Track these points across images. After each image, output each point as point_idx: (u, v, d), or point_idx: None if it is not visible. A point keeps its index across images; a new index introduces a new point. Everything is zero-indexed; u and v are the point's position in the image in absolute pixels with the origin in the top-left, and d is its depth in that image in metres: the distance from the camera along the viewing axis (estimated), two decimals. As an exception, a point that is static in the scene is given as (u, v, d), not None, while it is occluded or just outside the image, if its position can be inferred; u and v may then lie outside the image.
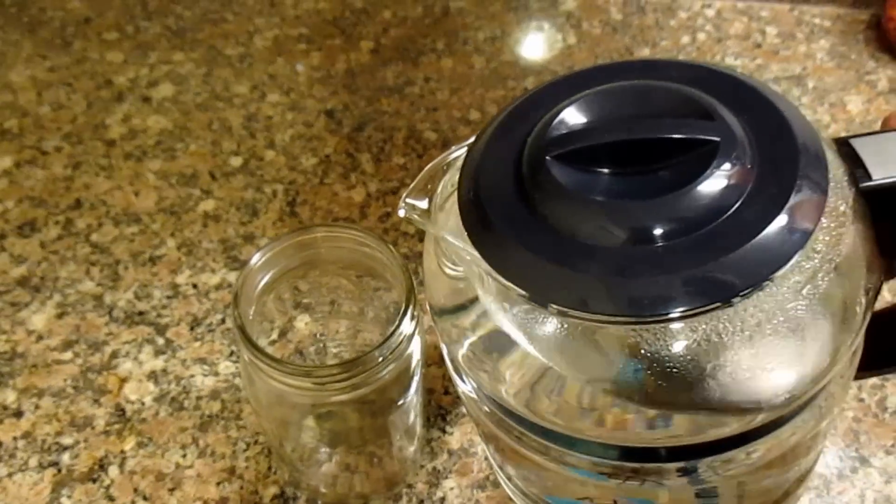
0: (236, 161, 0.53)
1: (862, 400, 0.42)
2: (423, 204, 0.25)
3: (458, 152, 0.27)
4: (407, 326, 0.29)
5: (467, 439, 0.41)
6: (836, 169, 0.24)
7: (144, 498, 0.39)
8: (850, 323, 0.24)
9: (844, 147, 0.25)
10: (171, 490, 0.39)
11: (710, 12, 0.64)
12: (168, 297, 0.46)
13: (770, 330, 0.22)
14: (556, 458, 0.27)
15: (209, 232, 0.49)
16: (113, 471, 0.39)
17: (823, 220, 0.22)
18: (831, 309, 0.23)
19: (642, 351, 0.22)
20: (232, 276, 0.47)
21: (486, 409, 0.27)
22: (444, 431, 0.41)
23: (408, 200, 0.26)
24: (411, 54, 0.61)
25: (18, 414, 0.41)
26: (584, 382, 0.24)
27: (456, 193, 0.25)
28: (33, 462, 0.40)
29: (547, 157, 0.22)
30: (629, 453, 0.25)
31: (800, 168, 0.22)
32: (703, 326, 0.21)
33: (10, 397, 0.42)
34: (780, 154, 0.22)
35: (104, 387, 0.42)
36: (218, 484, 0.39)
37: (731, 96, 0.23)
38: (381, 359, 0.29)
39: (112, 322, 0.45)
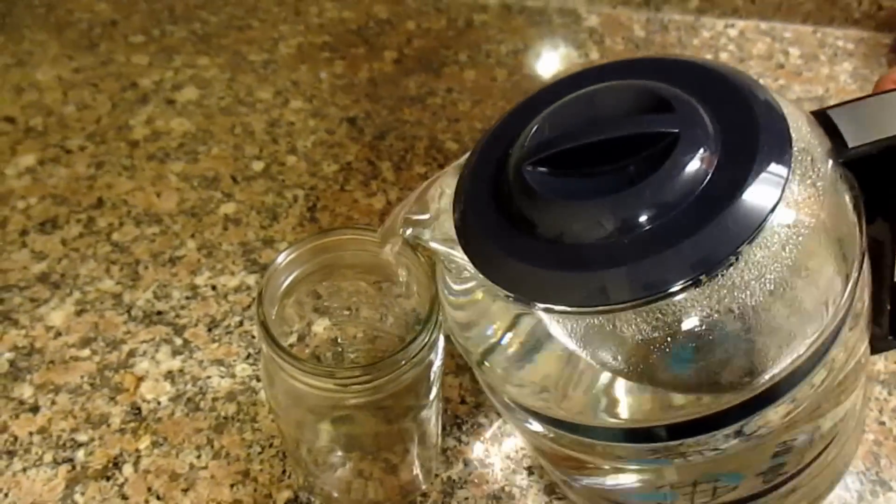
0: (258, 165, 0.54)
1: (883, 423, 0.41)
2: (424, 216, 0.28)
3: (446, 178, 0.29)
4: (430, 332, 0.29)
5: (483, 450, 0.40)
6: (816, 141, 0.25)
7: (158, 497, 0.38)
8: (838, 282, 0.25)
9: (822, 118, 0.26)
10: (185, 490, 0.39)
11: (733, 32, 0.65)
12: (187, 298, 0.46)
13: (763, 289, 0.23)
14: (623, 456, 0.28)
15: (229, 235, 0.49)
16: (127, 469, 0.39)
17: (798, 189, 0.23)
18: (819, 269, 0.25)
19: (664, 331, 0.23)
20: (251, 279, 0.47)
21: (550, 433, 0.28)
22: (459, 441, 0.41)
23: (406, 216, 0.28)
24: (434, 65, 0.61)
25: (35, 409, 0.41)
26: (627, 374, 0.25)
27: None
28: (48, 458, 0.40)
29: (524, 168, 0.24)
30: (683, 430, 0.25)
31: (760, 145, 0.23)
32: (711, 294, 0.23)
33: (26, 392, 0.42)
34: (742, 135, 0.23)
35: (121, 385, 0.42)
36: (232, 486, 0.39)
37: (697, 85, 0.25)
38: (403, 363, 0.28)
39: (130, 321, 0.45)
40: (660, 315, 0.23)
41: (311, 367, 0.28)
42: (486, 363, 0.27)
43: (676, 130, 0.23)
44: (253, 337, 0.44)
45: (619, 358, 0.24)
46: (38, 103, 0.57)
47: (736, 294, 0.23)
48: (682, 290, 0.22)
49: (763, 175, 0.22)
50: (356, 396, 0.29)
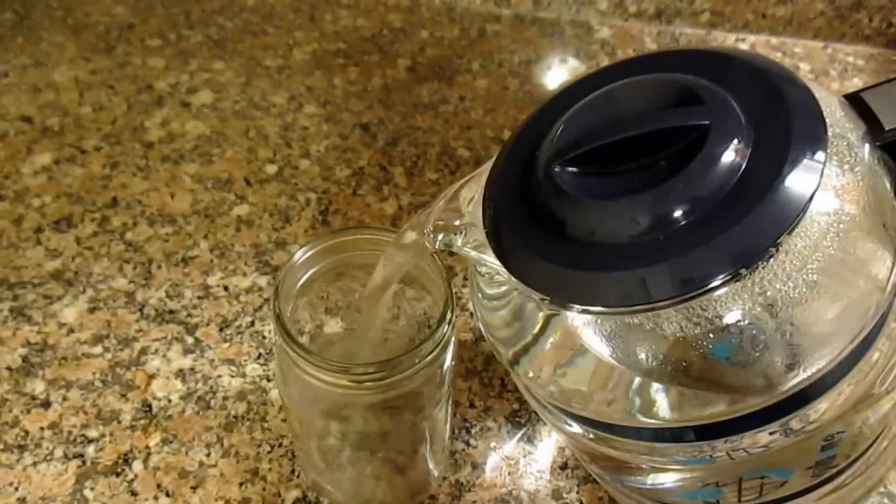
0: (271, 168, 0.54)
1: None
2: (455, 222, 0.27)
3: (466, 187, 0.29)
4: (444, 332, 0.29)
5: (491, 454, 0.40)
6: (851, 125, 0.24)
7: (167, 494, 0.39)
8: (883, 268, 0.24)
9: (856, 102, 0.25)
10: (194, 488, 0.39)
11: (744, 46, 0.65)
12: (199, 298, 0.46)
13: (806, 280, 0.23)
14: (665, 456, 0.27)
15: (242, 236, 0.50)
16: (137, 466, 0.40)
17: (836, 175, 0.23)
18: (863, 256, 0.24)
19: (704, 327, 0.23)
20: (263, 280, 0.47)
21: (589, 434, 0.28)
22: (468, 444, 0.41)
23: (437, 222, 0.28)
24: (447, 73, 0.62)
25: (46, 404, 0.42)
26: (666, 373, 0.25)
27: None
28: (58, 453, 0.40)
29: (552, 169, 0.24)
30: (726, 428, 0.25)
31: (794, 132, 0.22)
32: (752, 288, 0.23)
33: (38, 388, 0.42)
34: (775, 123, 0.23)
35: (132, 382, 0.43)
36: (241, 484, 0.39)
37: (724, 74, 0.24)
38: (416, 361, 0.29)
39: (142, 319, 0.45)
40: (700, 311, 0.23)
41: (325, 363, 0.28)
42: (521, 366, 0.27)
43: (707, 122, 0.22)
44: (264, 337, 0.45)
45: (658, 357, 0.24)
46: (54, 103, 0.58)
47: (778, 286, 0.22)
48: (722, 285, 0.22)
49: (799, 162, 0.22)
50: (369, 393, 0.29)
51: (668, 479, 0.31)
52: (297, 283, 0.32)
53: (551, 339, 0.26)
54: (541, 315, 0.26)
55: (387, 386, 0.29)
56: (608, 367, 0.25)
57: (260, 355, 0.44)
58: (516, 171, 0.26)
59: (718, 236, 0.22)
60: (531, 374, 0.27)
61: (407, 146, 0.56)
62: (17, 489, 0.39)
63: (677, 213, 0.22)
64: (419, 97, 0.60)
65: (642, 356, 0.24)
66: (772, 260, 0.22)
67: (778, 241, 0.21)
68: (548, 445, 0.41)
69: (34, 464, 0.39)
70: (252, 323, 0.45)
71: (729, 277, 0.22)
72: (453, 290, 0.31)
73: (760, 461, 0.27)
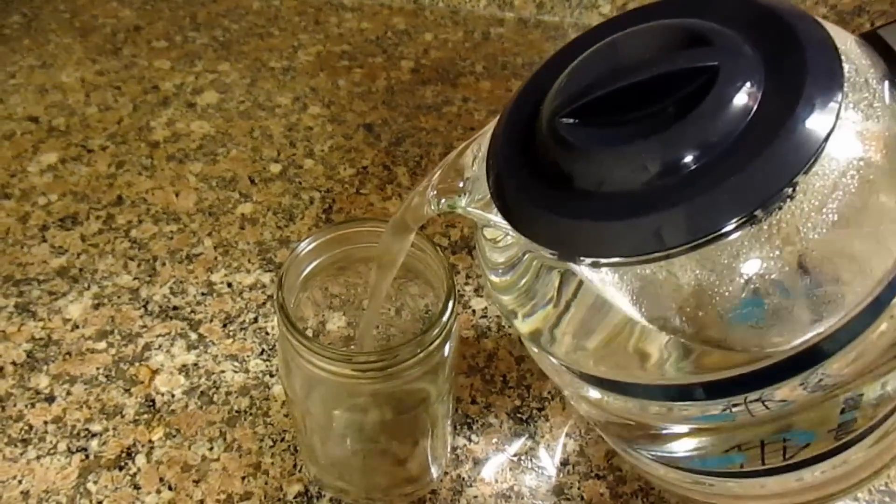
0: (275, 168, 0.54)
1: None
2: (458, 183, 0.27)
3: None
4: (446, 322, 0.30)
5: (493, 449, 0.41)
6: (868, 62, 0.23)
7: (170, 488, 0.39)
8: None
9: (873, 39, 0.24)
10: (197, 482, 0.39)
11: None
12: (203, 294, 0.47)
13: (825, 222, 0.21)
14: (685, 415, 0.27)
15: (246, 234, 0.50)
16: (140, 459, 0.40)
17: (854, 113, 0.22)
18: (884, 199, 0.23)
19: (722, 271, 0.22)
20: (266, 278, 0.48)
21: (607, 397, 0.28)
22: (469, 440, 0.41)
23: (440, 186, 0.27)
24: (451, 75, 0.62)
25: (50, 399, 0.42)
26: (682, 325, 0.24)
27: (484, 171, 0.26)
28: (62, 447, 0.40)
29: (557, 122, 0.23)
30: (745, 383, 0.24)
31: (808, 70, 0.21)
32: (769, 231, 0.21)
33: (42, 382, 0.43)
34: (790, 63, 0.22)
35: (136, 377, 0.43)
36: (243, 478, 0.39)
37: (731, 15, 0.23)
38: (419, 351, 0.29)
39: (147, 315, 0.46)
40: (716, 259, 0.22)
41: (328, 352, 0.28)
42: (537, 332, 0.27)
43: (716, 63, 0.21)
44: (267, 333, 0.45)
45: (674, 309, 0.23)
46: (61, 104, 0.59)
47: (797, 230, 0.21)
48: (737, 228, 0.21)
49: (814, 100, 0.21)
50: (372, 383, 0.29)
51: (689, 445, 0.30)
52: (301, 275, 0.32)
53: (565, 300, 0.26)
54: (555, 276, 0.26)
55: (389, 375, 0.29)
56: (625, 324, 0.25)
57: (263, 351, 0.44)
58: (520, 128, 0.25)
59: (731, 178, 0.20)
60: (548, 340, 0.26)
61: (410, 146, 0.56)
62: (20, 482, 0.39)
63: (688, 158, 0.21)
64: (423, 99, 0.60)
65: (659, 310, 0.23)
66: (789, 202, 0.21)
67: (794, 180, 0.20)
68: (550, 442, 0.41)
69: (38, 457, 0.40)
70: (255, 319, 0.46)
71: (744, 220, 0.20)
72: (455, 283, 0.32)
73: (782, 422, 0.26)
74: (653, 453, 0.32)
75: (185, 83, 0.61)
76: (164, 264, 0.48)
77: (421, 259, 0.33)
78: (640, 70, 0.22)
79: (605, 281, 0.24)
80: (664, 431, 0.30)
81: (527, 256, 0.26)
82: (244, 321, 0.45)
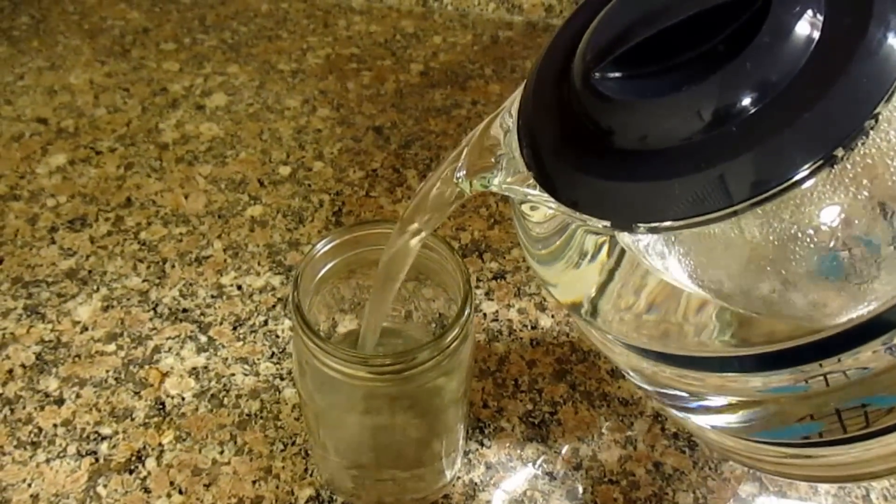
0: (285, 170, 0.54)
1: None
2: (490, 160, 0.24)
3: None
4: (463, 325, 0.29)
5: (505, 454, 0.40)
6: None
7: (180, 492, 0.38)
8: None
9: None
10: (207, 486, 0.39)
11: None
12: (212, 297, 0.46)
13: None
14: (754, 387, 0.24)
15: (255, 236, 0.50)
16: (150, 463, 0.39)
17: None
18: None
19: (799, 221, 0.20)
20: (276, 280, 0.47)
21: (667, 371, 0.26)
22: (482, 444, 0.41)
23: (470, 165, 0.25)
24: (460, 78, 0.62)
25: (59, 402, 0.42)
26: (751, 290, 0.22)
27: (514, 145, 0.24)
28: (71, 450, 0.40)
29: (592, 77, 0.21)
30: (822, 349, 0.22)
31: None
32: (852, 173, 0.19)
33: (52, 385, 0.42)
34: None
35: (145, 380, 0.43)
36: (254, 482, 0.39)
37: None
38: (436, 354, 0.29)
39: (156, 318, 0.45)
40: (788, 209, 0.19)
41: (345, 354, 0.28)
42: (591, 309, 0.25)
43: None
44: (277, 336, 0.45)
45: (744, 275, 0.21)
46: (69, 105, 0.58)
47: (880, 168, 0.19)
48: (814, 172, 0.18)
49: (887, 18, 0.18)
50: (388, 386, 0.29)
51: (754, 416, 0.28)
52: (316, 277, 0.32)
53: (619, 272, 0.23)
54: (602, 247, 0.24)
55: (405, 379, 0.29)
56: (681, 293, 0.22)
57: (273, 354, 0.44)
58: (550, 92, 0.23)
59: (802, 117, 0.18)
60: (605, 315, 0.24)
61: (420, 149, 0.56)
62: (30, 486, 0.38)
63: (746, 100, 0.19)
64: (432, 101, 0.60)
65: (725, 276, 0.21)
66: (870, 137, 0.18)
67: (875, 111, 0.18)
68: (562, 446, 0.41)
69: (47, 461, 0.39)
70: (265, 322, 0.45)
71: (821, 162, 0.18)
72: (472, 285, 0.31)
73: (861, 388, 0.24)
74: (716, 424, 0.30)
75: (194, 85, 0.60)
76: (173, 266, 0.48)
77: (435, 261, 0.33)
78: (678, 9, 0.19)
79: (660, 247, 0.22)
80: (725, 403, 0.27)
81: (569, 228, 0.24)
82: (254, 324, 0.45)
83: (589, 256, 0.24)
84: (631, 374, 0.30)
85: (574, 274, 0.25)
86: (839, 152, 0.18)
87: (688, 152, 0.19)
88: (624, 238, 0.23)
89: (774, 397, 0.25)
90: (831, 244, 0.20)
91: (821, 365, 0.22)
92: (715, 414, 0.29)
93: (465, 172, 0.26)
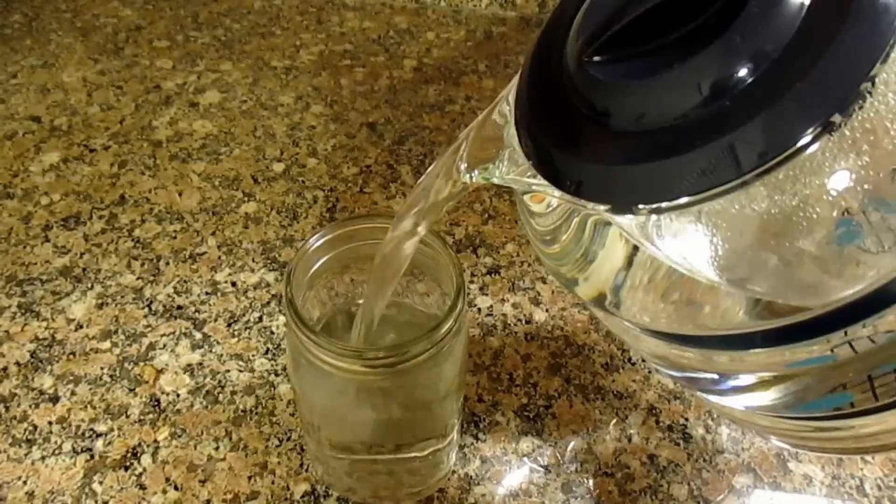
0: (279, 167, 0.54)
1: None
2: (491, 151, 0.24)
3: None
4: (457, 317, 0.29)
5: (500, 447, 0.40)
6: None
7: (176, 488, 0.38)
8: None
9: None
10: (203, 482, 0.39)
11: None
12: (207, 294, 0.46)
13: None
14: (777, 361, 0.24)
15: (250, 233, 0.50)
16: (145, 459, 0.39)
17: None
18: None
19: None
20: (270, 277, 0.47)
21: (688, 353, 0.26)
22: (477, 439, 0.41)
23: (471, 156, 0.25)
24: (453, 74, 0.62)
25: (54, 399, 0.42)
26: (762, 263, 0.21)
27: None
28: (67, 447, 0.40)
29: (584, 62, 0.21)
30: (846, 316, 0.22)
31: None
32: (853, 137, 0.19)
33: (46, 382, 0.42)
34: None
35: (140, 377, 0.43)
36: (249, 478, 0.39)
37: None
38: (430, 347, 0.29)
39: (151, 315, 0.45)
40: (793, 180, 0.19)
41: (338, 348, 0.28)
42: (615, 300, 0.25)
43: None
44: (272, 332, 0.45)
45: (753, 246, 0.21)
46: (63, 103, 0.58)
47: (884, 131, 0.18)
48: (815, 139, 0.18)
49: None
50: (382, 379, 0.29)
51: (786, 391, 0.27)
52: (309, 271, 0.32)
53: (633, 258, 0.23)
54: (611, 233, 0.24)
55: (398, 372, 0.29)
56: (701, 273, 0.22)
57: (268, 350, 0.44)
58: (545, 78, 0.23)
59: (797, 85, 0.18)
60: (628, 306, 0.24)
61: (414, 145, 0.56)
62: (25, 483, 0.38)
63: (741, 71, 0.19)
64: (426, 97, 0.60)
65: (733, 249, 0.21)
66: (869, 99, 0.18)
67: (871, 73, 0.18)
68: (557, 440, 0.41)
69: (42, 458, 0.39)
70: (260, 318, 0.45)
71: (820, 129, 0.18)
72: (465, 278, 0.31)
73: (889, 352, 0.23)
74: (748, 405, 0.29)
75: (188, 82, 0.60)
76: (167, 264, 0.48)
77: (428, 255, 0.33)
78: None
79: (669, 228, 0.22)
80: (753, 380, 0.27)
81: (574, 220, 0.24)
82: (249, 320, 0.45)
83: (605, 247, 0.24)
84: (658, 363, 0.29)
85: (592, 268, 0.25)
86: (837, 118, 0.18)
87: (686, 130, 0.19)
88: (624, 224, 0.23)
89: (804, 370, 0.25)
90: (842, 209, 0.20)
91: (846, 333, 0.22)
92: (746, 393, 0.28)
93: (466, 165, 0.26)
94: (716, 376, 0.27)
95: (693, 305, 0.24)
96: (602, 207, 0.21)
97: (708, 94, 0.19)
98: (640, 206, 0.20)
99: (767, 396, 0.28)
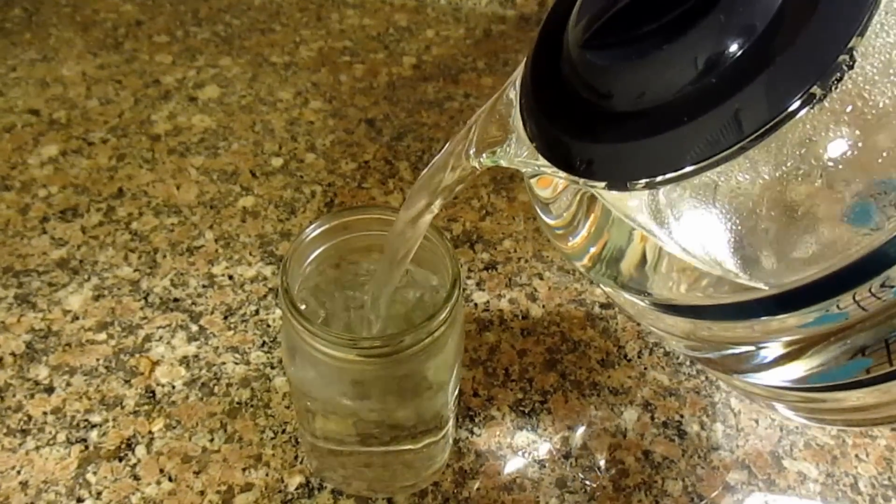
0: (277, 162, 0.54)
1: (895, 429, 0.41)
2: (498, 135, 0.25)
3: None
4: (452, 308, 0.29)
5: (495, 442, 0.40)
6: None
7: (170, 479, 0.38)
8: None
9: None
10: (197, 473, 0.39)
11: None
12: (203, 287, 0.46)
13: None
14: (790, 326, 0.25)
15: (247, 227, 0.50)
16: (140, 450, 0.39)
17: None
18: None
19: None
20: (267, 270, 0.47)
21: (706, 326, 0.26)
22: (471, 433, 0.41)
23: (479, 140, 0.26)
24: (452, 71, 0.62)
25: (49, 390, 0.42)
26: (764, 228, 0.23)
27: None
28: (61, 437, 0.40)
29: (584, 48, 0.22)
30: (851, 276, 0.22)
31: None
32: (836, 106, 0.20)
33: (42, 373, 0.42)
34: None
35: (136, 368, 0.43)
36: (244, 470, 0.39)
37: None
38: (425, 337, 0.29)
39: (147, 307, 0.45)
40: (782, 149, 0.20)
41: (333, 337, 0.28)
42: (621, 275, 0.26)
43: None
44: (268, 326, 0.45)
45: (754, 212, 0.22)
46: (62, 97, 0.58)
47: (865, 99, 0.19)
48: (801, 107, 0.19)
49: None
50: (376, 369, 0.29)
51: (810, 364, 0.28)
52: (305, 261, 0.32)
53: (643, 234, 0.24)
54: (617, 210, 0.24)
55: (393, 361, 0.29)
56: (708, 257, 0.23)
57: (264, 343, 0.44)
58: (548, 64, 0.24)
59: (779, 58, 0.19)
60: (634, 279, 0.25)
61: (412, 141, 0.56)
62: (19, 473, 0.38)
63: (732, 47, 0.20)
64: (424, 94, 0.60)
65: (735, 217, 0.22)
66: (847, 71, 0.19)
67: (849, 45, 0.19)
68: (552, 435, 0.41)
69: (37, 448, 0.39)
70: (256, 311, 0.45)
71: (803, 98, 0.19)
72: (461, 269, 0.31)
73: None
74: (767, 384, 0.30)
75: (187, 77, 0.60)
76: (164, 256, 0.48)
77: (425, 247, 0.33)
78: None
79: (673, 201, 0.22)
80: (770, 356, 0.28)
81: (587, 200, 0.25)
82: (245, 313, 0.45)
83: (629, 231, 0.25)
84: (680, 346, 0.30)
85: (607, 250, 0.26)
86: (817, 89, 0.19)
87: (676, 108, 0.20)
88: (624, 209, 0.23)
89: (819, 331, 0.26)
90: (831, 167, 0.21)
91: (854, 294, 0.23)
92: (770, 369, 0.29)
93: (474, 149, 0.27)
94: (737, 351, 0.28)
95: (695, 275, 0.24)
96: (600, 185, 0.22)
97: (697, 72, 0.20)
98: (636, 183, 0.21)
99: (796, 370, 0.28)
